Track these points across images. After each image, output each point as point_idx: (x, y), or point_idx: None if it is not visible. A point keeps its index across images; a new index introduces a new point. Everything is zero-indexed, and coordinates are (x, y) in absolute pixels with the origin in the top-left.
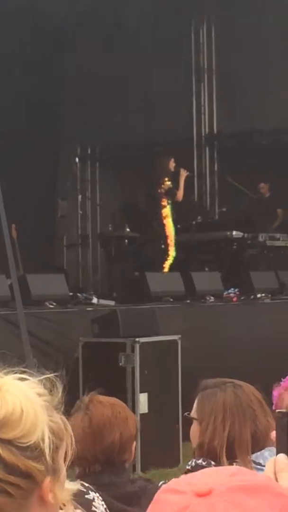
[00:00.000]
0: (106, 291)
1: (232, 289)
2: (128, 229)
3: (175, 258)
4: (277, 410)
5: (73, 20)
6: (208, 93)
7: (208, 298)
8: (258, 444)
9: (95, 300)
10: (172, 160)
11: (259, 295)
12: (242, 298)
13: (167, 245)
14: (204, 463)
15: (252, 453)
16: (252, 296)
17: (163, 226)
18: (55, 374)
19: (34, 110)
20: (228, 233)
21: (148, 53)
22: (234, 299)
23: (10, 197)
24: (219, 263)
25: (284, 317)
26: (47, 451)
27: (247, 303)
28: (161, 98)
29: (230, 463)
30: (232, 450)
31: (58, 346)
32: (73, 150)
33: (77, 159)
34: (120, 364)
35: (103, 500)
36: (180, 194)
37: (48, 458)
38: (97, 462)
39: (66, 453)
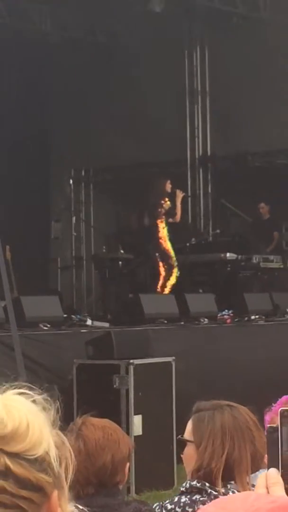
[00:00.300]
0: (101, 313)
1: (226, 310)
2: (122, 251)
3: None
4: (267, 426)
5: (65, 43)
6: (202, 115)
7: (202, 320)
8: (254, 465)
9: (89, 322)
10: (169, 181)
11: (253, 317)
12: (236, 320)
13: (169, 265)
14: (198, 485)
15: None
16: (246, 318)
17: (162, 247)
18: (49, 394)
19: (27, 132)
20: (222, 255)
21: (142, 75)
22: (228, 320)
23: (4, 219)
24: (213, 285)
25: (278, 339)
26: (54, 463)
27: (241, 325)
28: (155, 120)
29: (225, 485)
30: (231, 472)
31: (52, 368)
32: (67, 172)
33: (71, 181)
34: (114, 386)
35: None
36: (178, 215)
37: (55, 470)
38: (89, 484)
39: (67, 468)
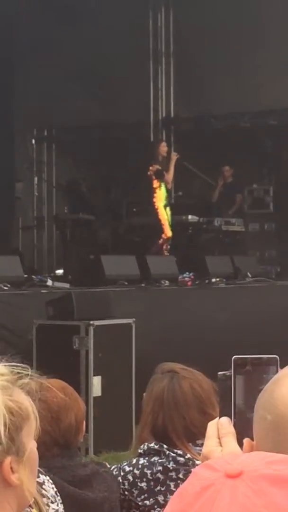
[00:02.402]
0: (61, 274)
1: (187, 273)
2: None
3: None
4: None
5: (31, 1)
6: (166, 77)
7: (163, 282)
8: (193, 436)
9: (49, 283)
10: (163, 144)
11: (214, 280)
12: (197, 282)
13: (161, 227)
14: (156, 447)
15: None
16: (207, 281)
17: (155, 208)
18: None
19: None
20: (184, 217)
21: (107, 36)
22: (189, 283)
23: None
24: (174, 247)
25: (239, 302)
26: (2, 430)
27: (202, 287)
28: (119, 81)
29: (171, 450)
30: (168, 438)
31: (12, 328)
32: (29, 132)
33: (33, 141)
34: (74, 347)
35: (54, 483)
36: (169, 177)
37: (6, 436)
38: (55, 446)
39: (29, 432)
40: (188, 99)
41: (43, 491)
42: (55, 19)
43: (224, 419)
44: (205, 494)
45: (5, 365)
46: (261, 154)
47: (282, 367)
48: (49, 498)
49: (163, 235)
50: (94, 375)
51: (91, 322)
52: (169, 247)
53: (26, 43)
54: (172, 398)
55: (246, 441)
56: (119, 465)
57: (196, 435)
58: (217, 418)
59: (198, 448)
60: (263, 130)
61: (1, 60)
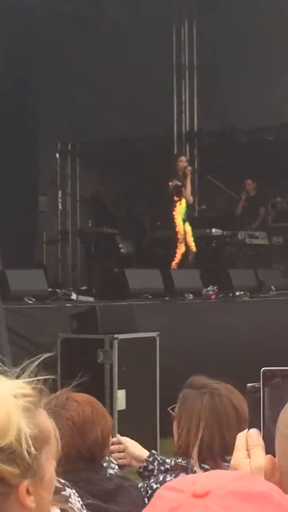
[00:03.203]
0: (85, 287)
1: (211, 286)
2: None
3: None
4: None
5: (53, 16)
6: (189, 90)
7: (187, 296)
8: (228, 453)
9: (74, 296)
10: (181, 158)
11: (237, 293)
12: (220, 296)
13: (176, 242)
14: (183, 462)
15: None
16: (230, 294)
17: (174, 222)
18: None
19: (13, 105)
20: (208, 230)
21: (131, 50)
22: (213, 296)
23: None
24: (198, 261)
25: (262, 315)
26: (24, 452)
27: (226, 300)
28: (143, 95)
29: (200, 465)
30: (205, 454)
31: (37, 342)
32: (53, 146)
33: (57, 155)
34: (99, 360)
35: (80, 496)
36: (187, 192)
37: (25, 460)
38: (81, 460)
39: (50, 452)
40: (211, 113)
41: (70, 504)
42: (79, 34)
43: (253, 431)
44: None
45: (29, 380)
46: (284, 167)
47: None
48: (75, 511)
49: (178, 249)
50: (118, 389)
51: (116, 335)
52: (192, 260)
53: (50, 58)
54: (215, 416)
55: (268, 458)
56: (145, 483)
57: (230, 453)
58: (246, 430)
59: (226, 464)
60: (287, 143)
61: (25, 74)
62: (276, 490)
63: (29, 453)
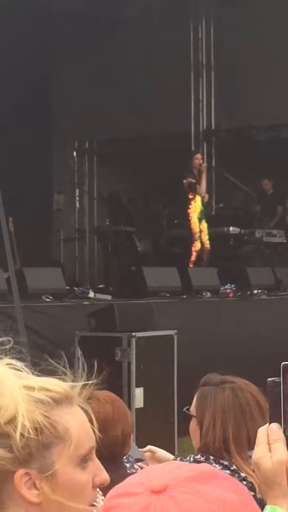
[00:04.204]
0: (103, 285)
1: (229, 285)
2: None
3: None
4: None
5: (68, 15)
6: (207, 89)
7: (204, 294)
8: (250, 445)
9: (91, 295)
10: (197, 156)
11: (255, 291)
12: (238, 294)
13: (191, 239)
14: (202, 459)
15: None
16: (248, 292)
17: (189, 220)
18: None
19: (31, 104)
20: (225, 228)
21: (148, 48)
22: (231, 295)
23: (7, 190)
24: (216, 259)
25: (280, 313)
26: (17, 438)
27: (244, 299)
28: (160, 93)
29: (229, 461)
30: (229, 448)
31: (54, 339)
32: (70, 144)
33: (74, 153)
34: (116, 358)
35: (103, 495)
36: (201, 189)
37: (18, 446)
38: (100, 458)
39: (71, 458)
40: (229, 111)
41: (94, 503)
42: (95, 32)
43: (274, 425)
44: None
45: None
46: None
47: None
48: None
49: (193, 247)
50: (136, 387)
51: (133, 333)
52: (209, 259)
53: (66, 57)
54: (239, 408)
55: None
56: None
57: (253, 445)
58: (267, 424)
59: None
60: None
61: (42, 74)
62: (213, 467)
63: (28, 440)
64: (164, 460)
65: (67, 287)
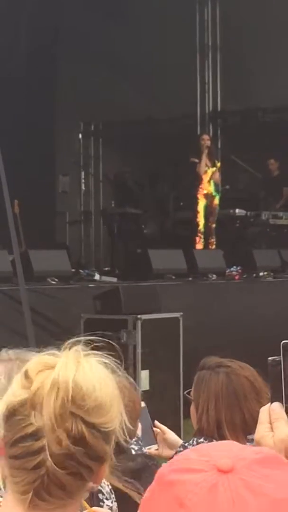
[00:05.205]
0: (109, 267)
1: (235, 267)
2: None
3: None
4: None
5: None
6: (212, 70)
7: (210, 276)
8: (250, 429)
9: (97, 277)
10: (204, 136)
11: (261, 274)
12: (244, 276)
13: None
14: (205, 442)
15: (249, 435)
16: (254, 275)
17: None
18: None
19: (35, 86)
20: (231, 210)
21: (153, 30)
22: (237, 277)
23: (12, 173)
24: (222, 241)
25: (286, 295)
26: (119, 435)
27: (250, 281)
28: (165, 75)
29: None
30: (224, 433)
31: (60, 322)
32: (75, 126)
33: (80, 135)
34: (122, 341)
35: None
36: (200, 168)
37: (113, 441)
38: None
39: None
40: (234, 93)
41: (99, 487)
42: (102, 13)
43: (276, 405)
44: (218, 495)
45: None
46: None
47: None
48: (104, 495)
49: (198, 229)
50: (142, 369)
51: (139, 316)
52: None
53: (73, 38)
54: (233, 392)
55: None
56: (168, 462)
57: (252, 429)
58: (269, 403)
59: (248, 443)
60: None
61: (48, 55)
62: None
63: (120, 435)
64: (173, 443)
65: (73, 270)
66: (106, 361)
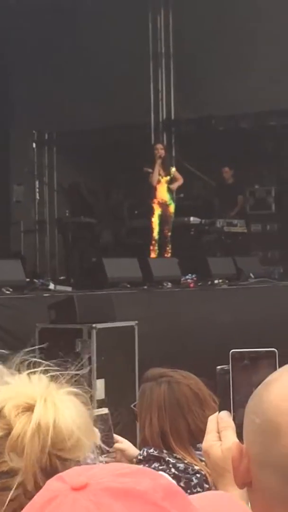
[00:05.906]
0: (64, 276)
1: (190, 275)
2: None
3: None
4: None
5: (29, 4)
6: (166, 79)
7: (165, 284)
8: (196, 438)
9: (52, 286)
10: (158, 146)
11: (216, 281)
12: (199, 284)
13: (151, 230)
14: (155, 453)
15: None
16: (209, 282)
17: (152, 210)
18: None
19: None
20: (186, 219)
21: (106, 38)
22: (192, 285)
23: None
24: (176, 249)
25: (241, 303)
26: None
27: (205, 289)
28: (119, 83)
29: (170, 455)
30: (170, 443)
31: (14, 332)
32: (29, 135)
33: (34, 144)
34: (77, 350)
35: None
36: (153, 177)
37: None
38: None
39: None
40: (188, 101)
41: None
42: (54, 22)
43: (224, 413)
44: (49, 507)
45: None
46: (262, 155)
47: (280, 362)
48: None
49: (152, 238)
50: (97, 378)
51: (94, 325)
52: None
53: (25, 46)
54: (175, 402)
55: (236, 444)
56: None
57: (198, 438)
58: (217, 412)
59: (198, 452)
60: (264, 131)
61: (0, 63)
62: (161, 489)
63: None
64: (132, 457)
65: (27, 279)
66: (77, 391)
